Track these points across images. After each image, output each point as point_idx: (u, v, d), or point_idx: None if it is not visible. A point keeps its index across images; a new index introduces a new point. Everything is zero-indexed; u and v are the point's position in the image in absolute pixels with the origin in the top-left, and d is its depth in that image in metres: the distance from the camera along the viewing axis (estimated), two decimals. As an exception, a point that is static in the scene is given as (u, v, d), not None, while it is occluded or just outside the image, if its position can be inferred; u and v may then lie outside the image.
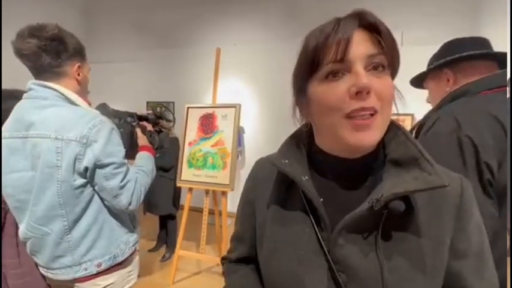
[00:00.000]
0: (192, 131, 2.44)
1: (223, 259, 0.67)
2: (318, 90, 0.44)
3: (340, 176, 0.49)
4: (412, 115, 3.06)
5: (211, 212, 2.58)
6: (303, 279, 0.45)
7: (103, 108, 1.27)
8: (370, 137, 0.41)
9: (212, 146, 2.36)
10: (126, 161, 0.99)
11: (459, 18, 3.20)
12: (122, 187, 0.95)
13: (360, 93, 0.39)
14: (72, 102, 0.93)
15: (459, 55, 0.94)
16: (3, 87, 1.24)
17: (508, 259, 0.80)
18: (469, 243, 0.44)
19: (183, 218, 2.38)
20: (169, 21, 4.49)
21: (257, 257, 0.57)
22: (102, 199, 0.96)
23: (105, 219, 0.96)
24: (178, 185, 2.44)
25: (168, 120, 2.69)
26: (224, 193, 2.35)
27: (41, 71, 0.90)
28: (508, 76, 0.91)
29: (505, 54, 0.92)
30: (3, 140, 0.89)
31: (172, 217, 2.93)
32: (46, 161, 0.85)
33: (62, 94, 0.91)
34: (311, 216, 0.47)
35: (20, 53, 0.86)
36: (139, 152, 1.21)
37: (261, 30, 4.08)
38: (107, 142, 0.91)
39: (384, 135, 0.46)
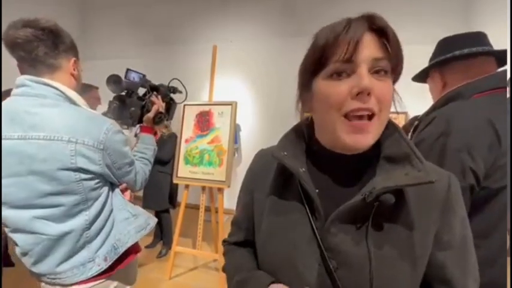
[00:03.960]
0: (189, 128, 2.45)
1: (224, 242, 0.71)
2: (321, 87, 0.46)
3: (337, 170, 0.51)
4: (405, 113, 3.11)
5: (207, 209, 2.60)
6: (296, 263, 0.48)
7: (117, 81, 1.22)
8: (365, 139, 0.44)
9: (208, 143, 2.37)
10: (133, 156, 1.07)
11: (452, 18, 3.24)
12: (134, 180, 1.06)
13: (361, 94, 0.41)
14: (73, 102, 0.90)
15: (441, 58, 0.92)
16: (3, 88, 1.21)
17: (508, 259, 0.81)
18: (452, 235, 0.47)
19: (180, 214, 2.40)
20: (166, 18, 4.46)
21: (253, 241, 0.60)
22: (113, 191, 1.01)
23: (116, 212, 0.99)
24: (175, 181, 2.45)
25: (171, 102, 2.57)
26: (220, 190, 2.37)
27: (34, 63, 0.84)
28: (508, 76, 0.88)
29: (492, 50, 0.89)
30: None
31: (166, 211, 2.95)
32: (60, 163, 0.82)
33: (63, 93, 0.87)
34: (306, 206, 0.50)
35: (13, 42, 0.80)
36: (142, 134, 1.26)
37: (258, 28, 4.08)
38: (121, 145, 0.95)
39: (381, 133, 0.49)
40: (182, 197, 2.41)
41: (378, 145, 0.50)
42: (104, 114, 1.16)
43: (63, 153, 0.82)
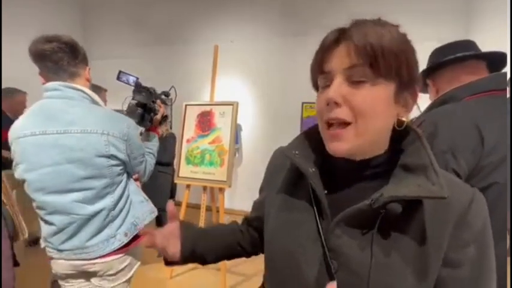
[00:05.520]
0: (190, 129, 2.46)
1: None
2: (317, 98, 0.50)
3: (348, 173, 0.51)
4: (407, 113, 3.10)
5: (208, 209, 2.60)
6: (298, 260, 0.49)
7: (147, 91, 1.37)
8: (340, 147, 0.45)
9: (210, 143, 2.38)
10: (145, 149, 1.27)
11: (454, 17, 3.24)
12: (144, 171, 1.25)
13: (329, 104, 0.44)
14: (95, 102, 1.09)
15: (427, 67, 0.99)
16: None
17: (508, 259, 0.81)
18: (463, 254, 0.43)
19: (181, 214, 2.40)
20: (167, 18, 4.47)
21: (256, 226, 0.68)
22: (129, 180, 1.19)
23: (132, 196, 1.17)
24: (176, 181, 2.46)
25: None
26: (221, 190, 2.37)
27: (58, 71, 1.01)
28: (508, 76, 0.90)
29: (479, 53, 0.92)
30: (29, 138, 0.98)
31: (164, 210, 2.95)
32: (96, 151, 1.00)
33: (88, 95, 1.06)
34: (315, 206, 0.50)
35: (41, 54, 0.97)
36: (149, 132, 1.46)
37: (259, 28, 4.08)
38: (137, 138, 1.16)
39: (402, 140, 0.49)
40: (183, 197, 2.42)
41: (396, 152, 0.49)
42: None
43: (99, 143, 1.00)
